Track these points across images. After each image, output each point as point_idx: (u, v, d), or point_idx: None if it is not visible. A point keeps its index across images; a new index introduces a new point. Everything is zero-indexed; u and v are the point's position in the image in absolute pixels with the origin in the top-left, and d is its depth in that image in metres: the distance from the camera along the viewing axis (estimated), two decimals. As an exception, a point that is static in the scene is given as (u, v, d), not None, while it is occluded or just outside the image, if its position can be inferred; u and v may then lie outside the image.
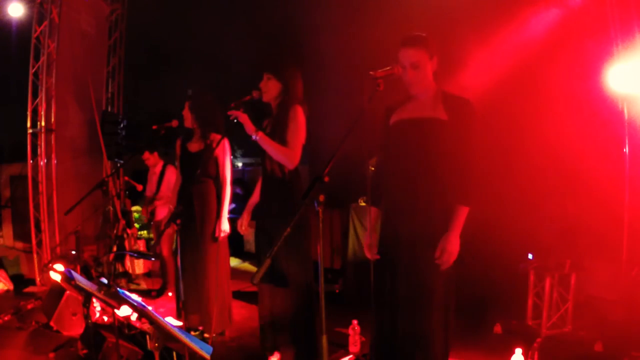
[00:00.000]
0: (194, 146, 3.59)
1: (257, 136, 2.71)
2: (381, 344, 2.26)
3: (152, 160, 5.42)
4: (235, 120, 2.70)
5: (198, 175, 3.44)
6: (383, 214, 2.34)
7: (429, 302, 2.11)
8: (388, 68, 2.09)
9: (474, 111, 2.18)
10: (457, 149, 2.13)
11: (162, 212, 5.24)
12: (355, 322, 3.31)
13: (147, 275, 6.05)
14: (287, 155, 2.76)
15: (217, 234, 3.45)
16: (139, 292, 5.05)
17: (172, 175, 5.10)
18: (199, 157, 3.49)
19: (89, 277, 5.10)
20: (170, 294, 5.06)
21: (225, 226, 3.48)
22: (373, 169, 2.49)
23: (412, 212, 2.16)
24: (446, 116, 2.14)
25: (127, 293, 2.37)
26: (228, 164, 3.53)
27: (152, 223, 5.49)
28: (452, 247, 2.08)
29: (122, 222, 6.09)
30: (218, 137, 3.40)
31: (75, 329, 3.71)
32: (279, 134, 2.79)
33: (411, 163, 2.19)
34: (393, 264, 2.20)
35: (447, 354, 2.20)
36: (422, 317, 2.11)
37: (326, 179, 1.68)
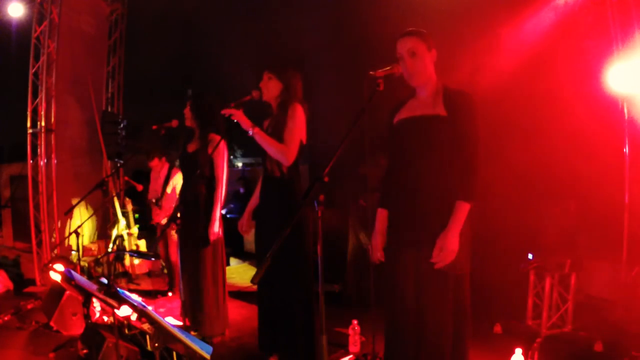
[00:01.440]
0: (192, 146, 3.58)
1: (253, 131, 2.71)
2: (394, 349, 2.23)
3: (160, 165, 5.40)
4: (235, 121, 2.70)
5: (196, 175, 3.43)
6: (388, 215, 2.32)
7: (433, 304, 2.08)
8: (388, 68, 2.09)
9: (473, 105, 2.15)
10: (457, 145, 2.11)
11: (160, 215, 5.21)
12: (355, 322, 3.31)
13: (147, 275, 6.05)
14: (282, 152, 2.75)
15: (208, 236, 3.39)
16: (141, 292, 5.05)
17: (179, 181, 5.05)
18: (195, 157, 3.49)
19: (89, 277, 5.11)
20: (170, 293, 5.07)
21: (215, 228, 3.40)
22: (363, 173, 2.48)
23: (414, 212, 2.14)
24: (445, 112, 2.12)
25: (127, 293, 2.38)
26: (223, 166, 3.48)
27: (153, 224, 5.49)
28: (451, 245, 2.01)
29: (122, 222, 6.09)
30: (217, 137, 3.39)
31: (75, 329, 3.71)
32: (278, 133, 2.79)
33: (412, 162, 2.17)
34: (397, 266, 2.18)
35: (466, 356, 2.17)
36: (427, 320, 2.08)
37: (326, 179, 1.67)
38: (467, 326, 2.15)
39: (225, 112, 2.67)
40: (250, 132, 2.71)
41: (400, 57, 2.16)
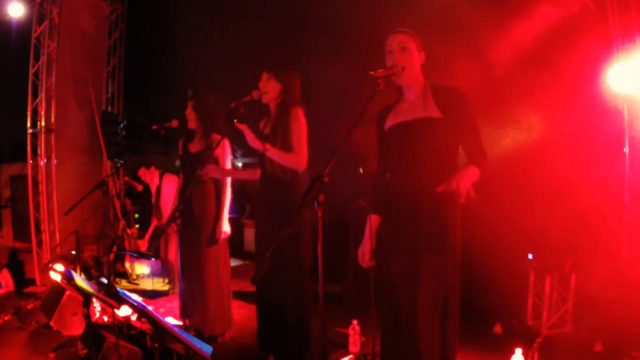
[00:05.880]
0: (195, 146, 3.59)
1: (265, 148, 2.71)
2: (389, 348, 2.23)
3: (149, 176, 5.39)
4: (235, 120, 2.70)
5: (197, 175, 3.44)
6: (385, 218, 2.31)
7: (433, 303, 2.07)
8: (388, 68, 2.09)
9: (466, 99, 2.15)
10: (462, 142, 2.13)
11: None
12: (355, 322, 3.31)
13: (147, 275, 6.05)
14: (296, 161, 2.79)
15: (217, 236, 3.44)
16: (141, 292, 5.05)
17: (172, 185, 4.87)
18: (199, 157, 3.49)
19: (89, 277, 5.11)
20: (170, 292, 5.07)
21: (225, 227, 3.46)
22: (362, 171, 2.47)
23: (413, 217, 2.12)
24: (440, 113, 2.11)
25: (127, 293, 2.37)
26: (228, 165, 3.52)
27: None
28: (464, 180, 1.93)
29: (122, 222, 6.09)
30: (219, 137, 3.39)
31: (75, 329, 3.71)
32: (280, 137, 2.79)
33: (409, 168, 2.16)
34: (396, 269, 2.17)
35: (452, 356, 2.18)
36: (426, 321, 2.07)
37: (326, 179, 1.67)
38: (456, 328, 2.15)
39: (237, 126, 2.68)
40: (262, 151, 2.72)
41: (389, 51, 2.16)
